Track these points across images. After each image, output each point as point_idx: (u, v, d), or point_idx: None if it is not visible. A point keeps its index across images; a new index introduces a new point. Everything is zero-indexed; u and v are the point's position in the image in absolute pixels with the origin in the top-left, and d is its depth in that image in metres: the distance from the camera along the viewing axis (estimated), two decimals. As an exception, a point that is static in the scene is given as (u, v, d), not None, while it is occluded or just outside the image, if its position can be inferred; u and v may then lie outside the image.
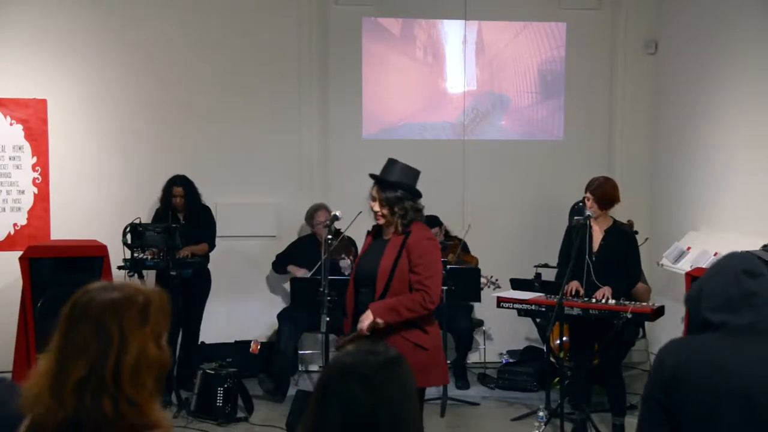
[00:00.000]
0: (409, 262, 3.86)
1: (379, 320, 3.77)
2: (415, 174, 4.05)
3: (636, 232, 5.53)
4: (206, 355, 6.25)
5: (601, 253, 5.29)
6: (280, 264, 6.76)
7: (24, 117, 6.64)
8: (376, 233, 4.10)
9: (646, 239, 5.58)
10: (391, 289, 3.86)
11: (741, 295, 2.22)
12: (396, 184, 3.94)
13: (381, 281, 3.87)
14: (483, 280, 6.28)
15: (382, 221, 3.96)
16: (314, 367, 7.00)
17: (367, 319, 3.79)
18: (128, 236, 5.70)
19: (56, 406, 1.69)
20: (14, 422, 1.81)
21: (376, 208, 3.93)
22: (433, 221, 6.73)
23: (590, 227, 5.32)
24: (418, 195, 4.01)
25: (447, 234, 6.84)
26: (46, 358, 1.76)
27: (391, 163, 4.04)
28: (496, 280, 6.41)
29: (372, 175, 4.06)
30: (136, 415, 1.71)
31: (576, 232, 5.26)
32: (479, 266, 6.52)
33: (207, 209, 6.47)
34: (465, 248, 6.80)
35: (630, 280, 5.35)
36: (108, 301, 1.77)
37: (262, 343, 6.55)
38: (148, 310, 1.79)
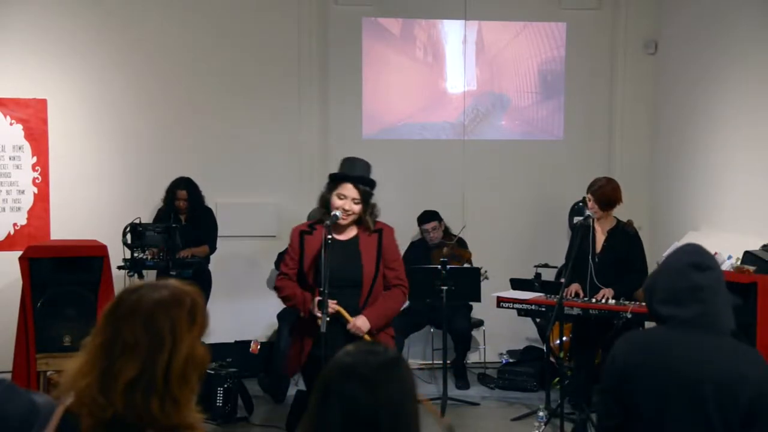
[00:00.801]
0: (384, 260, 3.93)
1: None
2: (369, 166, 4.04)
3: (637, 232, 5.52)
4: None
5: (604, 254, 5.29)
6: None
7: (24, 117, 6.64)
8: (310, 231, 3.98)
9: (639, 227, 5.58)
10: (374, 290, 3.91)
11: (687, 288, 2.27)
12: (366, 180, 3.94)
13: (367, 284, 3.89)
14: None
15: (348, 220, 3.90)
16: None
17: (365, 327, 3.83)
18: (128, 236, 5.70)
19: (105, 403, 1.70)
20: (14, 423, 1.80)
21: (348, 206, 3.87)
22: (432, 215, 6.75)
23: (593, 228, 5.31)
24: (374, 185, 4.00)
25: (446, 231, 6.83)
26: (88, 354, 1.75)
27: (352, 160, 4.03)
28: (485, 271, 6.39)
29: (339, 175, 3.97)
30: (178, 415, 1.73)
31: (577, 233, 5.26)
32: (472, 260, 6.55)
33: (209, 211, 6.47)
34: (462, 243, 6.79)
35: (637, 278, 5.33)
36: (159, 301, 1.76)
37: (262, 343, 6.55)
38: (195, 310, 1.80)
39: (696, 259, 2.31)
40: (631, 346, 2.36)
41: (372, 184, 3.96)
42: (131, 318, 1.74)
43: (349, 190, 3.88)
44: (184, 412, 1.74)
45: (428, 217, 6.74)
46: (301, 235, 4.00)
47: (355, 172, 3.95)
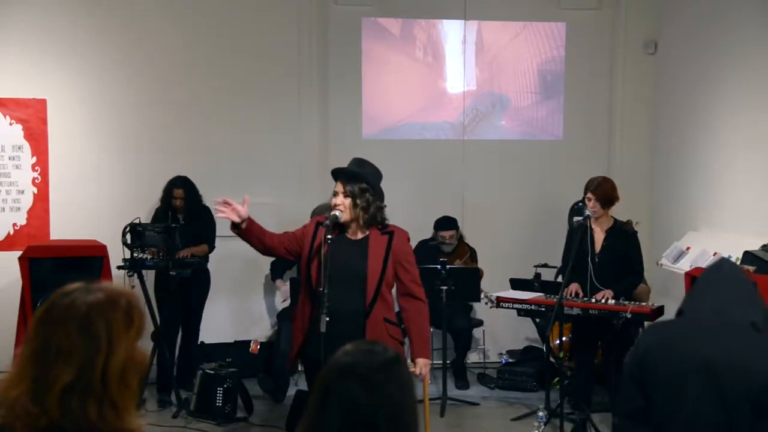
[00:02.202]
0: (394, 263, 3.90)
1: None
2: (379, 173, 4.04)
3: (636, 232, 5.53)
4: (206, 355, 6.25)
5: (604, 254, 5.28)
6: (275, 270, 6.76)
7: (24, 117, 6.64)
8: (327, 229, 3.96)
9: (637, 223, 5.59)
10: (381, 291, 3.88)
11: (704, 282, 2.57)
12: (360, 176, 3.93)
13: (372, 281, 3.85)
14: (481, 294, 6.24)
15: (345, 217, 3.89)
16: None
17: (427, 367, 3.93)
18: (128, 236, 5.70)
19: (39, 413, 1.63)
20: None
21: (339, 200, 3.88)
22: (452, 223, 6.70)
23: (591, 229, 5.31)
24: (381, 196, 3.99)
25: (461, 239, 6.80)
26: (20, 363, 1.68)
27: (357, 159, 4.06)
28: (492, 296, 6.38)
29: (332, 172, 4.02)
30: (117, 420, 1.67)
31: (576, 234, 5.25)
32: (482, 279, 6.46)
33: (207, 210, 6.45)
34: (474, 257, 6.76)
35: (634, 278, 5.34)
36: (93, 303, 1.70)
37: (262, 343, 6.56)
38: (132, 311, 1.74)
39: (717, 264, 2.60)
40: (652, 334, 2.59)
41: (365, 179, 3.93)
42: (65, 322, 1.67)
43: (338, 185, 3.93)
44: (125, 417, 1.68)
45: (447, 224, 6.66)
46: (317, 226, 3.99)
47: (347, 169, 3.98)
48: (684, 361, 2.42)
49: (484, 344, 7.11)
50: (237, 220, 3.90)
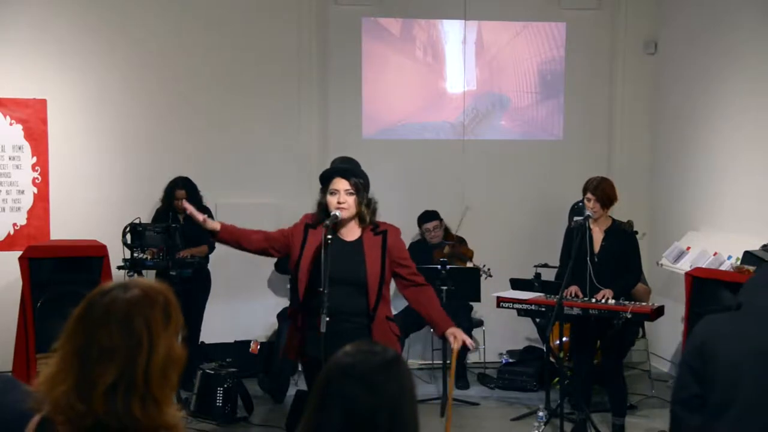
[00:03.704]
0: (391, 262, 3.90)
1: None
2: (357, 164, 4.06)
3: (636, 232, 5.52)
4: (206, 355, 6.25)
5: (603, 254, 5.28)
6: (279, 267, 6.78)
7: (24, 117, 6.65)
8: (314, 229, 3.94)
9: (644, 234, 5.60)
10: (383, 291, 3.86)
11: (761, 280, 2.76)
12: (357, 172, 3.93)
13: (373, 285, 3.83)
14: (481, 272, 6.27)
15: (347, 215, 3.85)
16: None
17: (459, 332, 3.86)
18: (128, 236, 5.70)
19: (85, 411, 1.65)
20: (10, 415, 1.80)
21: (342, 198, 3.82)
22: (433, 215, 6.76)
23: (590, 229, 5.30)
24: (365, 178, 3.97)
25: (447, 231, 6.85)
26: (62, 360, 1.70)
27: (342, 158, 4.06)
28: (489, 269, 6.38)
29: (326, 172, 3.97)
30: (160, 415, 1.70)
31: (576, 234, 5.24)
32: (474, 258, 6.55)
33: (207, 211, 6.46)
34: (462, 242, 6.82)
35: (631, 278, 5.34)
36: (132, 301, 1.72)
37: (262, 343, 6.56)
38: (169, 307, 1.76)
39: None
40: (710, 324, 2.68)
41: (364, 176, 3.93)
42: (105, 321, 1.69)
43: (338, 183, 3.84)
44: (166, 411, 1.71)
45: (429, 216, 6.75)
46: (306, 227, 3.95)
47: (344, 166, 4.00)
48: (743, 351, 2.54)
49: (484, 344, 7.11)
50: (216, 227, 3.89)
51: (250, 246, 4.02)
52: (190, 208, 3.98)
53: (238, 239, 3.98)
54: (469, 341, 3.88)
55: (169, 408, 1.72)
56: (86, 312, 1.72)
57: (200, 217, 3.91)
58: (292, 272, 4.01)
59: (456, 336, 3.81)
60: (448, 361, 6.23)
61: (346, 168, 3.96)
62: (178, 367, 1.75)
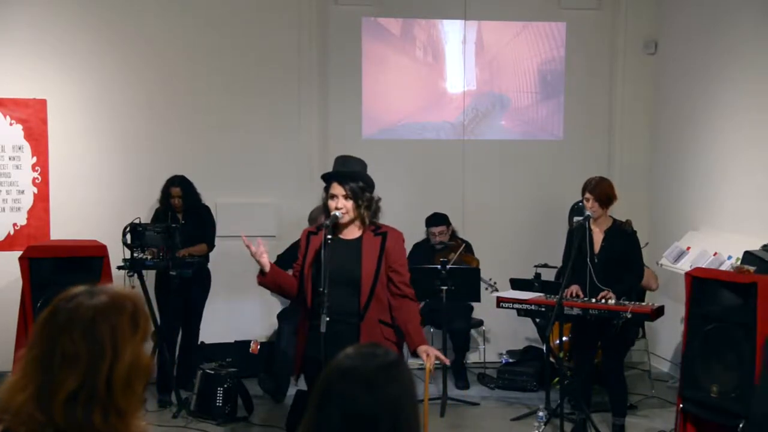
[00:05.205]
0: (386, 264, 3.89)
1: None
2: (364, 164, 4.04)
3: (635, 232, 5.52)
4: (206, 355, 6.25)
5: (603, 254, 5.28)
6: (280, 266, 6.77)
7: (24, 117, 6.65)
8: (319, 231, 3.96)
9: (647, 243, 5.59)
10: (375, 292, 3.86)
11: None
12: (355, 175, 3.92)
13: (366, 285, 3.84)
14: (481, 282, 6.26)
15: (346, 219, 3.88)
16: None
17: (430, 348, 3.88)
18: (128, 236, 5.70)
19: (45, 420, 1.59)
20: None
21: (340, 204, 3.84)
22: (442, 219, 6.72)
23: (590, 229, 5.30)
24: (372, 186, 3.97)
25: (453, 234, 6.82)
26: (24, 368, 1.65)
27: (344, 158, 4.04)
28: (495, 283, 6.41)
29: (325, 175, 3.99)
30: (122, 426, 1.64)
31: (576, 234, 5.24)
32: (480, 268, 6.51)
33: (206, 209, 6.45)
34: (469, 249, 6.78)
35: (633, 279, 5.34)
36: (98, 307, 1.66)
37: (262, 343, 6.56)
38: (137, 315, 1.70)
39: None
40: None
41: (362, 178, 3.92)
42: (69, 327, 1.63)
43: (336, 188, 3.87)
44: (130, 422, 1.65)
45: (437, 220, 6.69)
46: (308, 236, 4.02)
47: (342, 170, 3.96)
48: None
49: (484, 344, 7.12)
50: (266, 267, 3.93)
51: (292, 290, 4.05)
52: (246, 241, 3.94)
53: (281, 284, 4.02)
54: (442, 357, 3.96)
55: (133, 419, 1.66)
56: (50, 317, 1.66)
57: (254, 249, 3.89)
58: (299, 281, 4.02)
59: (428, 354, 3.83)
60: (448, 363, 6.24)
61: (344, 172, 3.95)
62: (145, 377, 1.69)
